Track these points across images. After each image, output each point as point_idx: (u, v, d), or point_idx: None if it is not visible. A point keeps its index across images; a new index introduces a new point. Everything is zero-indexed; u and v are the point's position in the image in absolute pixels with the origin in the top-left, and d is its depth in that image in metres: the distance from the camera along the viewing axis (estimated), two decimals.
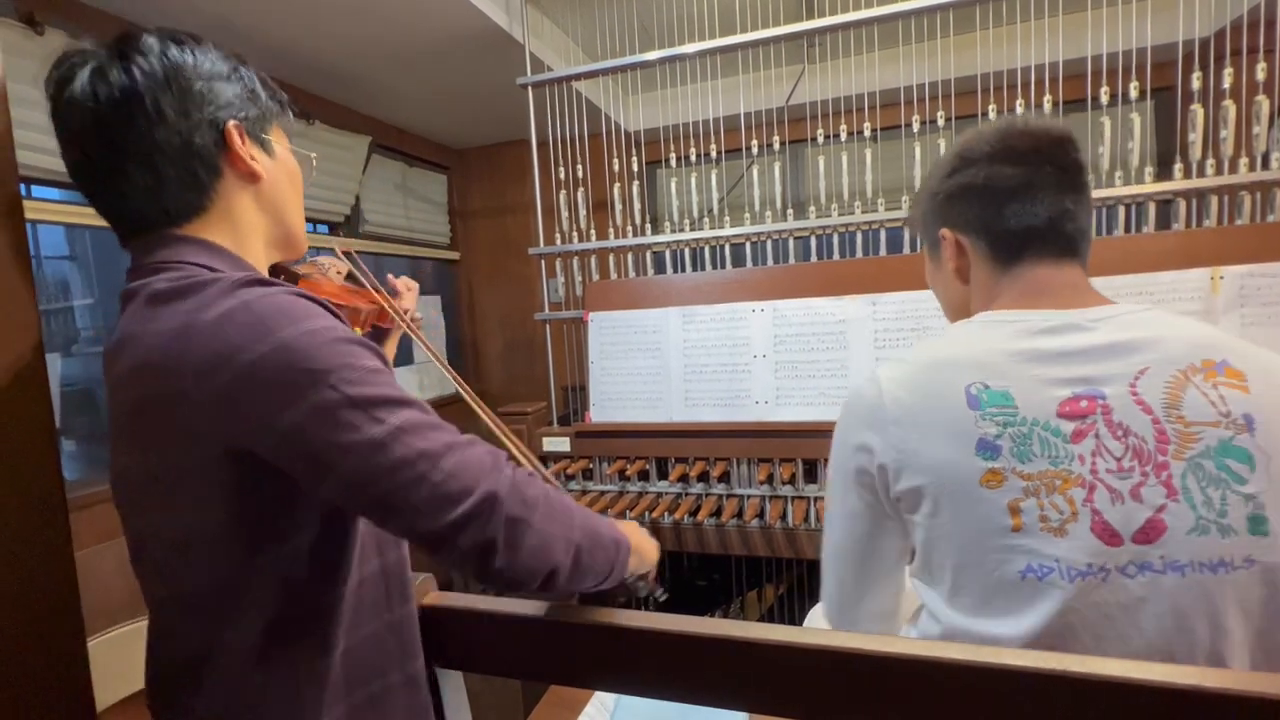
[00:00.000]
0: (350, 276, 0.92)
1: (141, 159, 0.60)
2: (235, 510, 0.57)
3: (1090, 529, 0.61)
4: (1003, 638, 0.63)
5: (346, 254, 0.93)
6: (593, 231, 1.88)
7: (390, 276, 1.06)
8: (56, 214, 1.60)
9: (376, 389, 0.54)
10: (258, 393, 0.53)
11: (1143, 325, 0.66)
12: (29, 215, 0.89)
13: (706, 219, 1.82)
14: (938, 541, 0.67)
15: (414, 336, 0.96)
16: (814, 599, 1.79)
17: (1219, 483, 0.60)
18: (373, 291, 0.91)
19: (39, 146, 1.38)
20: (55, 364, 1.87)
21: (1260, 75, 1.40)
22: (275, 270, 0.75)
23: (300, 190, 0.74)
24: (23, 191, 0.92)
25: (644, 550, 0.76)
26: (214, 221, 0.64)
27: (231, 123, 0.64)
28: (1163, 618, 0.59)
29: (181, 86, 0.61)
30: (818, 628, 0.99)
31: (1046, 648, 0.60)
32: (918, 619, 0.75)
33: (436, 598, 0.70)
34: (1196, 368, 0.63)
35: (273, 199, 0.69)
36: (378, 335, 1.01)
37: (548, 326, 1.90)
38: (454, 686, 0.74)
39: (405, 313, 0.98)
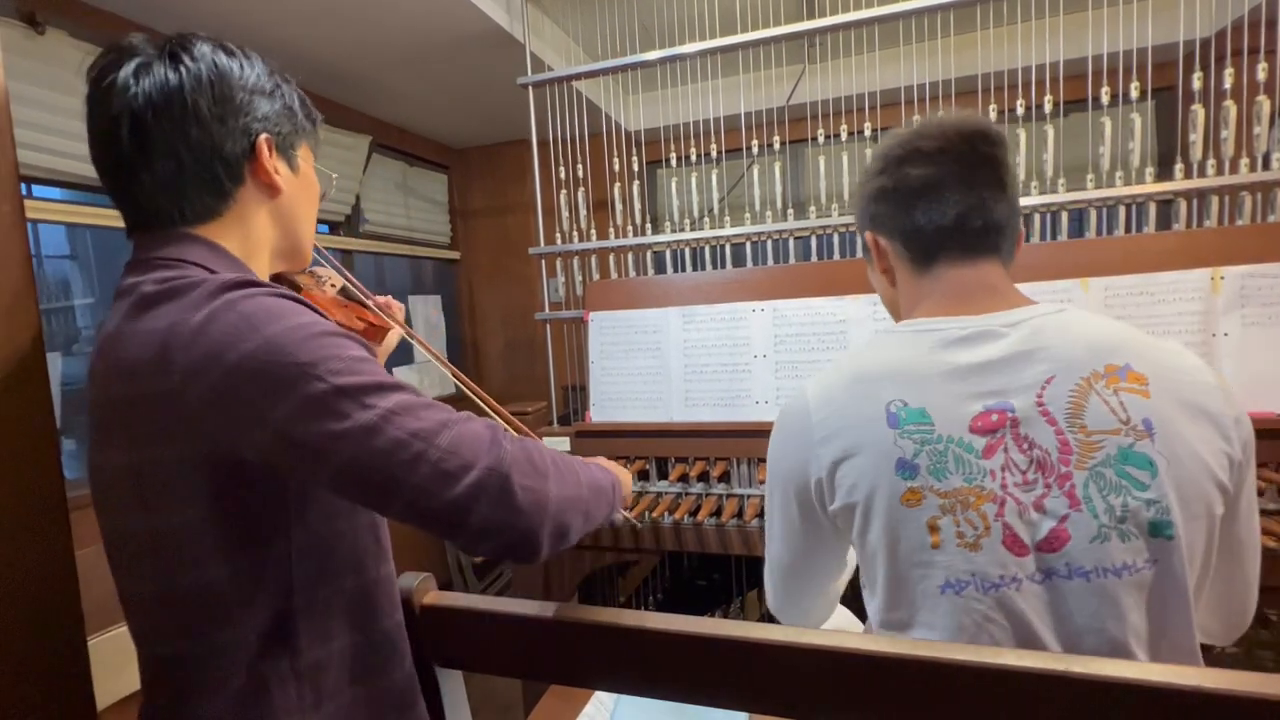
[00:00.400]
0: (344, 291, 0.92)
1: (169, 154, 0.61)
2: (219, 512, 0.57)
3: (1001, 542, 0.62)
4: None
5: (321, 261, 0.91)
6: (593, 231, 1.88)
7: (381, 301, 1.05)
8: (57, 213, 1.60)
9: (364, 376, 0.54)
10: (247, 390, 0.53)
11: (1051, 330, 0.66)
12: (30, 215, 0.89)
13: (707, 219, 1.82)
14: (869, 557, 0.69)
15: (412, 339, 0.96)
16: None
17: (1119, 490, 0.61)
18: (363, 306, 0.92)
19: (40, 146, 1.38)
20: (56, 363, 1.87)
21: (1261, 75, 1.40)
22: (275, 279, 0.76)
23: (315, 206, 0.76)
24: (23, 191, 0.92)
25: (626, 482, 0.80)
26: (227, 227, 0.65)
27: (264, 136, 0.66)
28: (1075, 618, 0.61)
29: (223, 93, 0.63)
30: (818, 629, 0.99)
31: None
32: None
33: (436, 597, 0.70)
34: (1099, 374, 0.63)
35: (288, 212, 0.71)
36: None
37: (548, 326, 1.90)
38: (454, 686, 0.74)
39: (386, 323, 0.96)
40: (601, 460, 0.79)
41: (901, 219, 0.74)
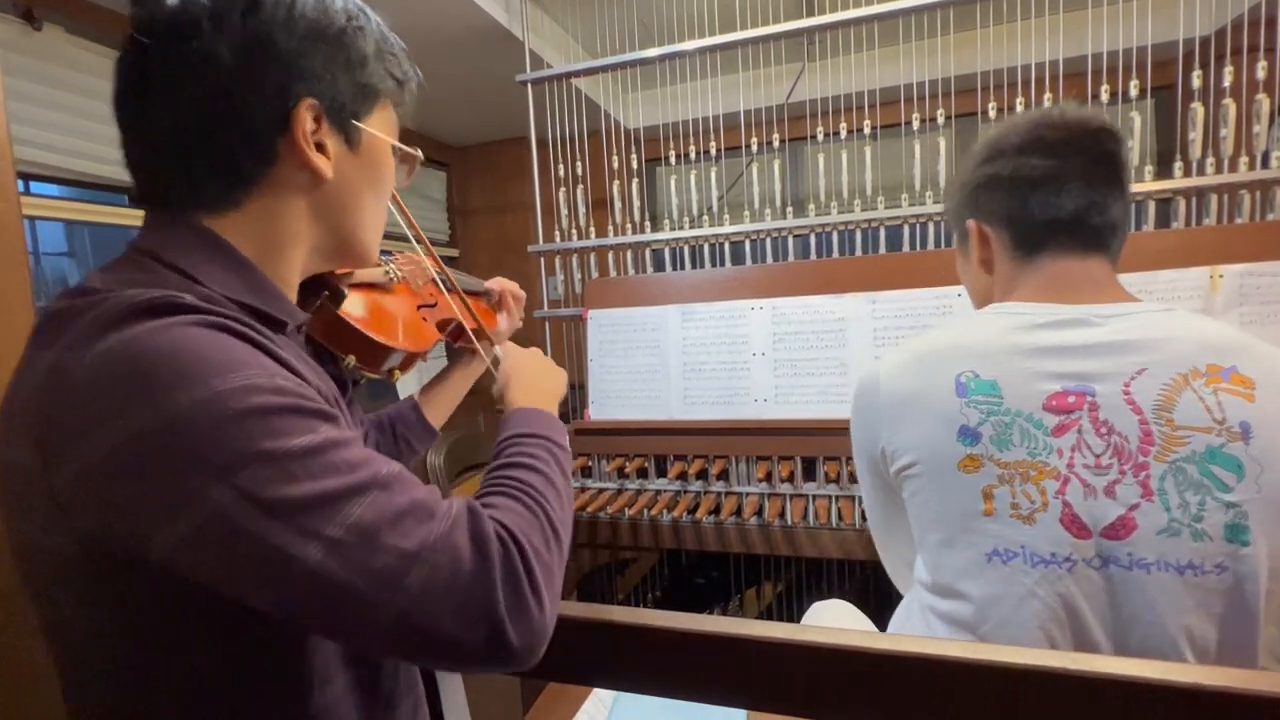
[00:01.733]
0: (437, 284, 0.79)
1: (169, 108, 0.45)
2: (110, 614, 0.43)
3: (1059, 520, 0.62)
4: (960, 615, 0.66)
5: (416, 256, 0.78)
6: (592, 229, 1.87)
7: (498, 283, 0.92)
8: (55, 210, 1.60)
9: (315, 482, 0.38)
10: (124, 490, 0.38)
11: (1154, 325, 0.65)
12: (27, 211, 0.88)
13: (706, 217, 1.82)
14: (921, 519, 0.70)
15: (493, 369, 0.77)
16: (812, 596, 1.80)
17: (1200, 488, 0.60)
18: (455, 305, 0.77)
19: (37, 142, 1.37)
20: None
21: (1261, 74, 1.39)
22: (319, 280, 0.60)
23: (382, 195, 0.57)
24: (21, 188, 0.92)
25: (559, 392, 0.71)
26: (243, 218, 0.49)
27: (307, 101, 0.47)
28: (1125, 611, 0.61)
29: (256, 36, 0.45)
30: (816, 625, 0.99)
31: (1007, 630, 0.63)
32: (911, 601, 0.79)
33: None
34: (1199, 372, 0.62)
35: (336, 205, 0.53)
36: (454, 353, 0.89)
37: (547, 324, 1.90)
38: (453, 686, 0.73)
39: (491, 333, 0.81)
40: (538, 385, 0.68)
41: (1013, 207, 0.73)
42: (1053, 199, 0.70)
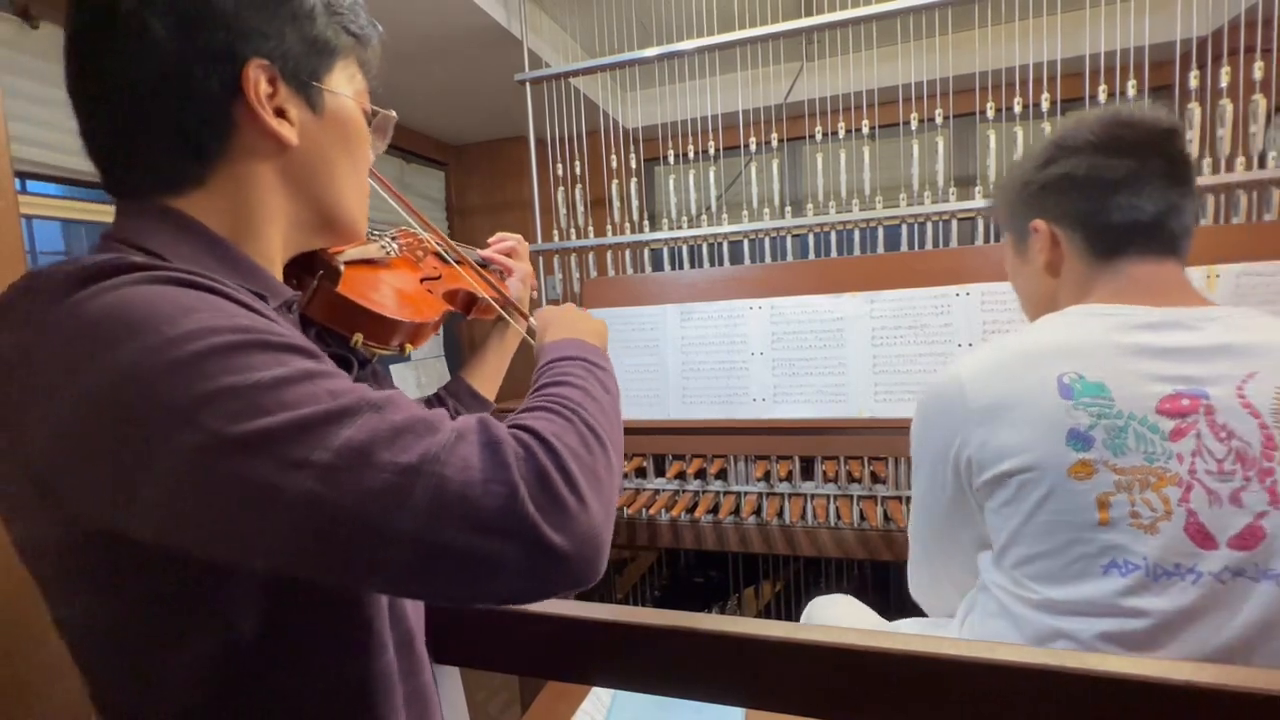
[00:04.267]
0: (439, 256, 0.76)
1: (108, 94, 0.43)
2: (111, 606, 0.41)
3: (1184, 529, 0.59)
4: (1073, 631, 0.61)
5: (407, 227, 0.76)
6: (591, 229, 1.87)
7: (494, 245, 0.87)
8: (52, 209, 1.60)
9: (290, 411, 0.35)
10: (94, 452, 0.35)
11: (1254, 329, 0.64)
12: (24, 210, 0.88)
13: (704, 216, 1.82)
14: (1022, 532, 0.65)
15: (513, 322, 0.78)
16: (810, 595, 1.80)
17: None
18: (462, 272, 0.75)
19: (35, 140, 1.37)
20: None
21: (1258, 74, 1.40)
22: (312, 260, 0.58)
23: (359, 161, 0.54)
24: (18, 186, 0.92)
25: (599, 331, 0.67)
26: (214, 197, 0.46)
27: (255, 62, 0.44)
28: (1248, 624, 0.58)
29: None
30: (815, 624, 0.99)
31: (1122, 645, 0.60)
32: (972, 608, 0.74)
33: None
34: None
35: (308, 174, 0.50)
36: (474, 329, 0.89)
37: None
38: (451, 683, 0.74)
39: (506, 298, 0.78)
40: (582, 323, 0.65)
41: (1090, 209, 0.70)
42: (1133, 201, 0.68)
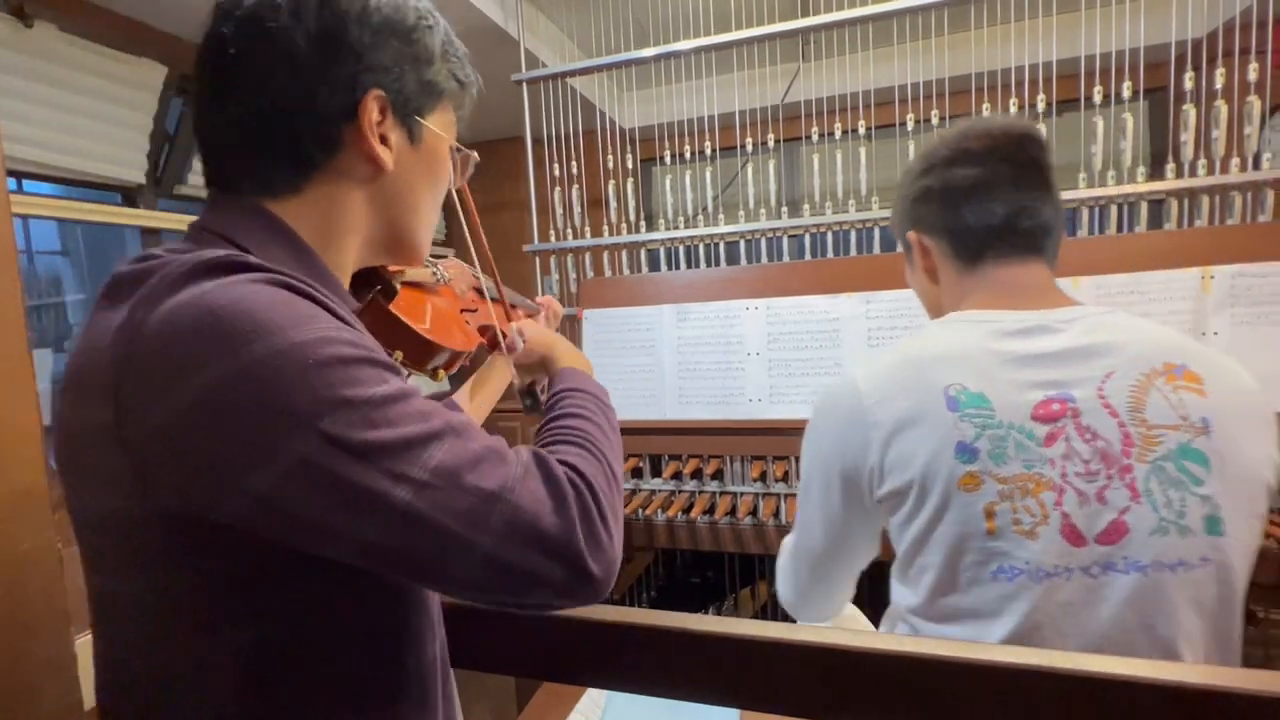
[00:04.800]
0: (479, 291, 0.78)
1: (245, 98, 0.47)
2: (178, 584, 0.42)
3: (1059, 531, 0.62)
4: (970, 638, 0.64)
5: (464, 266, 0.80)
6: (587, 229, 1.87)
7: (546, 300, 0.98)
8: (48, 209, 1.59)
9: (394, 428, 0.39)
10: (207, 441, 0.37)
11: (1108, 328, 0.67)
12: (18, 210, 0.87)
13: (701, 216, 1.82)
14: (920, 543, 0.67)
15: (512, 372, 0.83)
16: None
17: (1178, 485, 0.62)
18: (495, 312, 0.78)
19: (30, 140, 1.37)
20: (46, 359, 1.85)
21: (1252, 76, 1.40)
22: (371, 275, 0.61)
23: (438, 194, 0.59)
24: (12, 185, 0.92)
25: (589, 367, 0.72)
26: (307, 206, 0.50)
27: (375, 93, 0.49)
28: (1123, 614, 0.61)
29: (330, 25, 0.47)
30: (811, 625, 0.99)
31: (1015, 644, 0.62)
32: (894, 625, 0.75)
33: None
34: (1159, 370, 0.64)
35: (393, 197, 0.54)
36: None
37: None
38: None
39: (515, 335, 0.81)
40: (568, 357, 0.71)
41: (949, 218, 0.75)
42: (984, 206, 0.72)
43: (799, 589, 0.85)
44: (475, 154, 0.63)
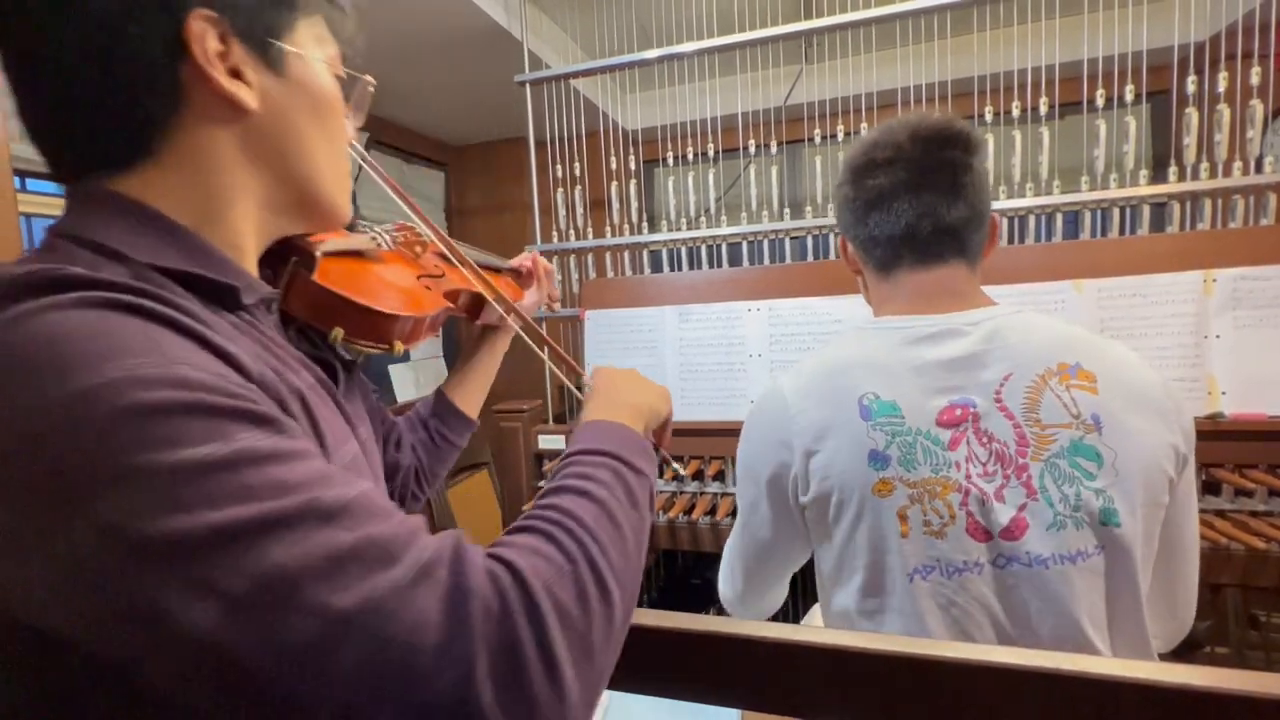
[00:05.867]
0: (444, 257, 0.69)
1: (41, 68, 0.38)
2: (27, 700, 0.33)
3: (965, 530, 0.66)
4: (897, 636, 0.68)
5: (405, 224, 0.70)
6: (590, 230, 1.88)
7: (529, 258, 0.88)
8: (52, 208, 1.60)
9: (212, 510, 0.28)
10: None
11: (1008, 330, 0.69)
12: (22, 209, 0.88)
13: (703, 218, 1.83)
14: (841, 547, 0.71)
15: (525, 337, 0.76)
16: (807, 598, 1.80)
17: (1072, 480, 0.65)
18: (466, 272, 0.69)
19: None
20: None
21: (1255, 79, 1.40)
22: (286, 248, 0.53)
23: (336, 132, 0.48)
24: (17, 184, 0.92)
25: (651, 407, 0.57)
26: (166, 175, 0.41)
27: (197, 13, 0.38)
28: (1033, 602, 0.65)
29: None
30: (815, 625, 0.99)
31: (941, 637, 0.66)
32: (830, 617, 0.78)
33: None
34: (1053, 371, 0.67)
35: (274, 144, 0.44)
36: (479, 332, 0.84)
37: (544, 324, 1.90)
38: None
39: (519, 304, 0.73)
40: (622, 394, 0.56)
41: (859, 229, 0.76)
42: (886, 216, 0.73)
43: (735, 588, 0.89)
44: (370, 79, 0.51)
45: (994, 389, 0.67)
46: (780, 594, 0.90)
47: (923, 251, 0.73)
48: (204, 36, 0.39)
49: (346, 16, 0.49)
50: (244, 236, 0.45)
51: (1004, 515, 0.65)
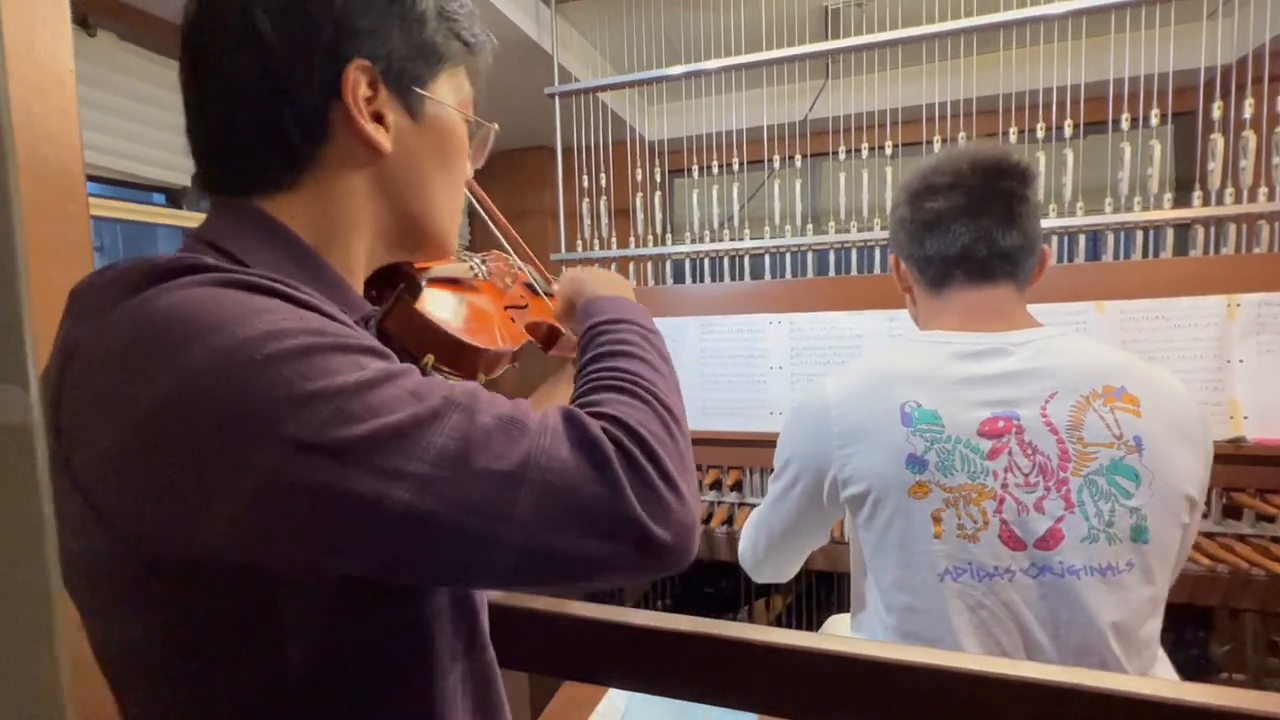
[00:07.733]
0: (531, 287, 0.71)
1: (217, 93, 0.42)
2: (170, 629, 0.37)
3: (998, 536, 0.69)
4: (915, 629, 0.72)
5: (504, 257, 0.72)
6: (614, 239, 1.90)
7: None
8: (114, 210, 1.65)
9: (380, 417, 0.33)
10: (161, 467, 0.32)
11: (1056, 351, 0.73)
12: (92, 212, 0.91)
13: (726, 230, 1.85)
14: (875, 544, 0.75)
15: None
16: (822, 609, 1.80)
17: (1109, 497, 0.68)
18: (550, 304, 0.71)
19: (91, 145, 1.42)
20: None
21: None
22: (394, 273, 0.55)
23: (457, 174, 0.52)
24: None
25: (628, 286, 0.62)
26: (302, 200, 0.44)
27: (356, 62, 0.42)
28: (1063, 611, 0.68)
29: None
30: (834, 635, 1.01)
31: (960, 639, 0.69)
32: (861, 606, 0.83)
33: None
34: (1098, 393, 0.70)
35: (401, 184, 0.47)
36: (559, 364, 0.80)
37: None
38: None
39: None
40: (614, 284, 0.59)
41: (914, 248, 0.81)
42: (942, 238, 0.77)
43: (756, 555, 0.94)
44: (495, 125, 0.55)
45: (1040, 405, 0.70)
46: (794, 567, 0.96)
47: (976, 273, 0.77)
48: (358, 83, 0.42)
49: (485, 66, 0.52)
50: (357, 263, 0.48)
51: (1041, 525, 0.68)
